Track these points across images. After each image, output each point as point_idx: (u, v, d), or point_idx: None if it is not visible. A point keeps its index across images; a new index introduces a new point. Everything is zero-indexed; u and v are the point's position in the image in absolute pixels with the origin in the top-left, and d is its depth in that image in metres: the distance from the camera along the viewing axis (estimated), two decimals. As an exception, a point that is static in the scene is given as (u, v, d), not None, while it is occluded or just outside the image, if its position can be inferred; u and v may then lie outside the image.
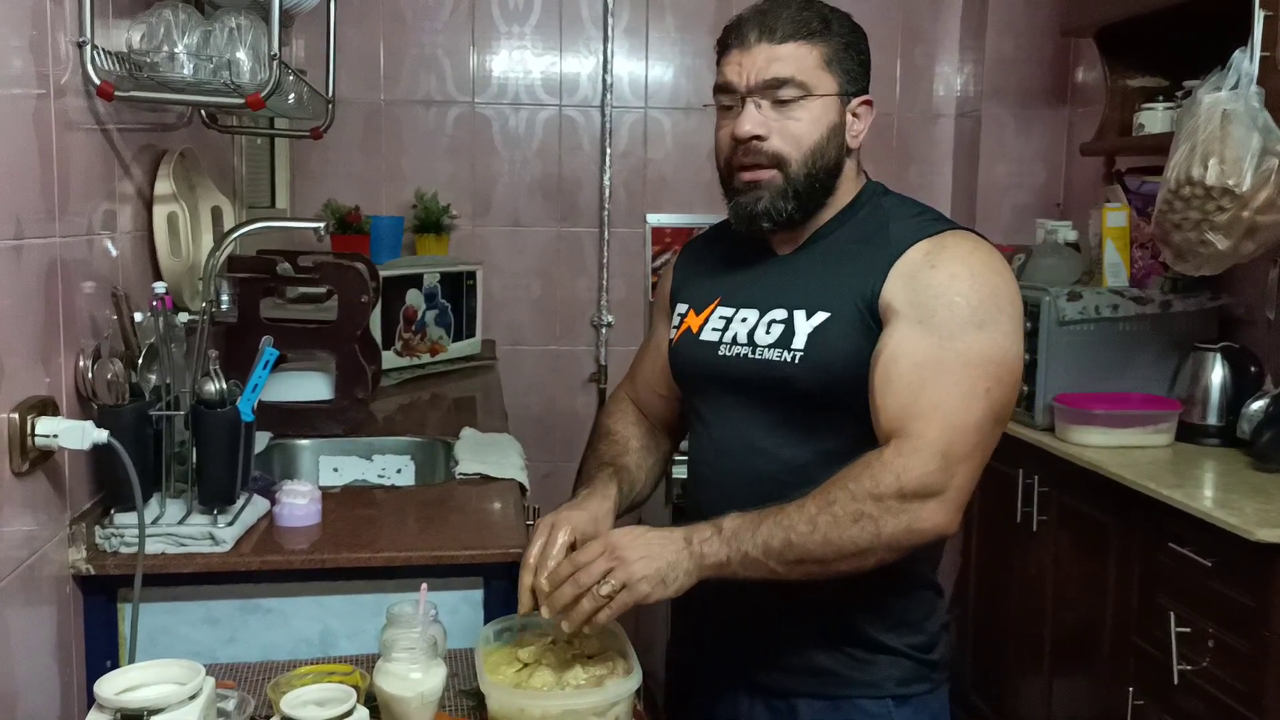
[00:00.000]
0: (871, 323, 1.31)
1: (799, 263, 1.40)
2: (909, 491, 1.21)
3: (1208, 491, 2.16)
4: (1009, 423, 2.70)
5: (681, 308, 1.49)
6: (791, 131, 1.33)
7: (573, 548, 1.30)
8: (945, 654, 1.44)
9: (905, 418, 1.24)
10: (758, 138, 1.33)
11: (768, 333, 1.36)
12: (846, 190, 1.41)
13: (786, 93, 1.32)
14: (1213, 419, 2.50)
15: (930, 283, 1.28)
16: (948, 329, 1.26)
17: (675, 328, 1.49)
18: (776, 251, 1.43)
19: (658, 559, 1.22)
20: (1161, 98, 2.76)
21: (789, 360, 1.34)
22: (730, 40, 1.36)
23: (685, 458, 1.53)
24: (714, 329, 1.42)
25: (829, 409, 1.33)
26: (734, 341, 1.39)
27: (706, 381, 1.44)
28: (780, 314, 1.37)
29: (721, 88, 1.36)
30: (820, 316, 1.33)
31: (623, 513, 1.45)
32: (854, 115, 1.38)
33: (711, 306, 1.44)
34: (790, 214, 1.36)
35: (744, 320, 1.40)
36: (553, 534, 1.31)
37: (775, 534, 1.21)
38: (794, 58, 1.32)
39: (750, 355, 1.37)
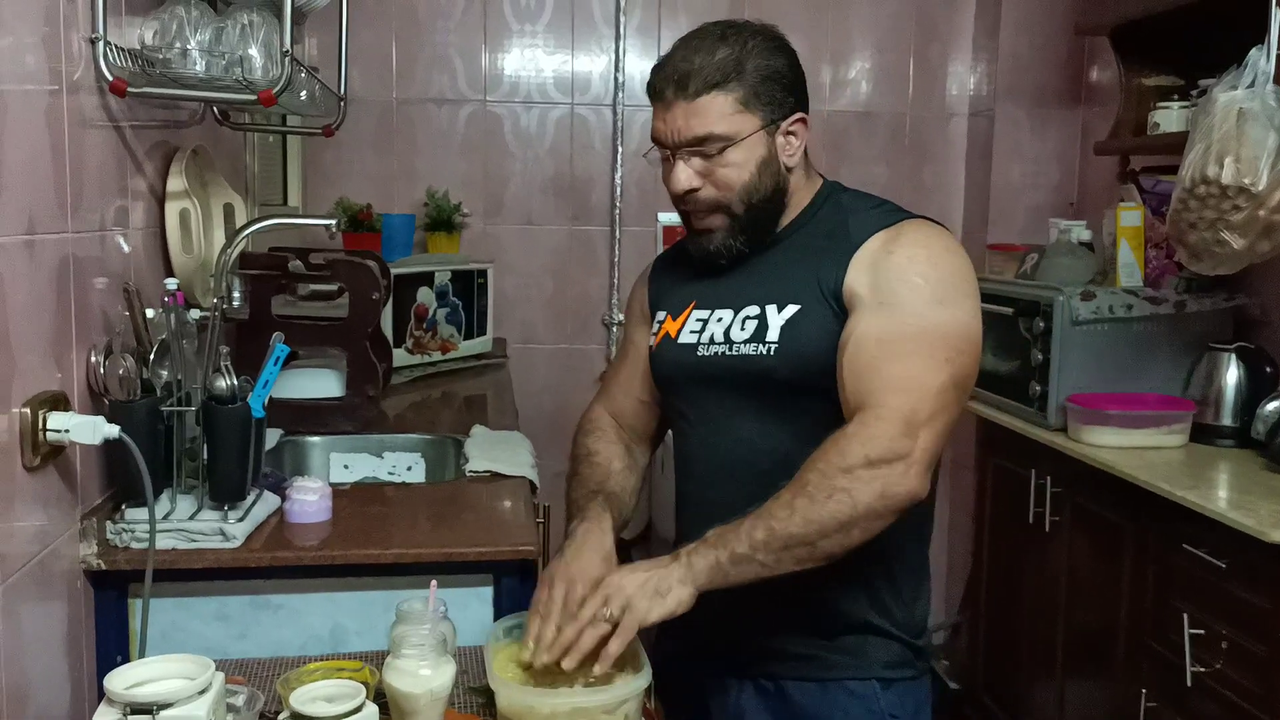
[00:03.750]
0: (838, 310, 1.35)
1: (766, 262, 1.44)
2: (876, 459, 1.23)
3: (1222, 493, 2.15)
4: (1022, 420, 2.70)
5: (660, 315, 1.53)
6: (722, 179, 1.38)
7: None
8: (929, 644, 1.47)
9: (868, 391, 1.27)
10: (692, 190, 1.39)
11: (743, 329, 1.40)
12: (800, 198, 1.45)
13: (710, 147, 1.36)
14: (1227, 420, 2.48)
15: (889, 267, 1.32)
16: (909, 307, 1.30)
17: (654, 334, 1.52)
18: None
19: (647, 574, 1.25)
20: (1176, 96, 2.74)
21: (765, 353, 1.37)
22: (652, 94, 1.40)
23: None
24: (691, 331, 1.46)
25: (807, 396, 1.36)
26: (711, 341, 1.43)
27: (688, 382, 1.47)
28: (753, 310, 1.41)
29: (655, 139, 1.41)
30: (791, 309, 1.38)
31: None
32: (787, 136, 1.40)
33: (687, 310, 1.48)
34: (743, 247, 1.42)
35: (719, 320, 1.43)
36: (554, 590, 1.31)
37: (758, 527, 1.24)
38: (710, 110, 1.35)
39: (728, 352, 1.41)
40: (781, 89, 1.38)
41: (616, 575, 1.27)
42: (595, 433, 1.59)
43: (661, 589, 1.24)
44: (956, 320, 1.31)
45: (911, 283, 1.31)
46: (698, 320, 1.46)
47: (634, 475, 1.57)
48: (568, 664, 1.23)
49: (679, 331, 1.48)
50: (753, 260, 1.44)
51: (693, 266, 1.52)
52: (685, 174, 1.38)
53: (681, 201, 1.42)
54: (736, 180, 1.38)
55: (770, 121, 1.38)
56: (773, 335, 1.37)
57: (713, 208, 1.40)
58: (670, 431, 1.58)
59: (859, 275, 1.34)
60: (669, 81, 1.37)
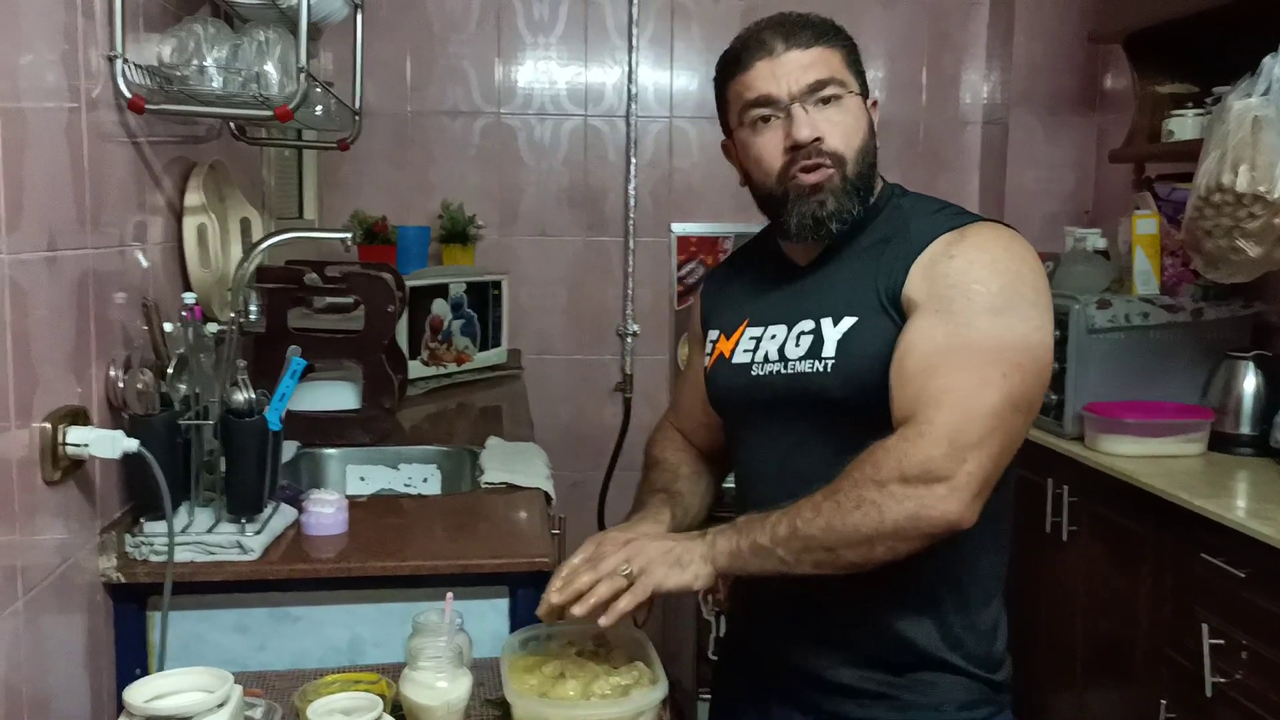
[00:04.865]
0: (898, 320, 1.27)
1: (822, 271, 1.37)
2: (911, 476, 1.17)
3: (1241, 502, 2.13)
4: (1038, 429, 2.68)
5: (713, 334, 1.48)
6: (842, 130, 1.32)
7: None
8: (1010, 675, 1.40)
9: (915, 405, 1.20)
10: (818, 139, 1.30)
11: (798, 345, 1.34)
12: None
13: (830, 91, 1.31)
14: (1246, 428, 2.47)
15: (948, 272, 1.25)
16: (964, 316, 1.22)
17: (709, 355, 1.47)
18: (798, 263, 1.41)
19: (672, 544, 1.26)
20: (1191, 104, 2.74)
21: (821, 370, 1.30)
22: (750, 55, 1.33)
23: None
24: (745, 350, 1.40)
25: (867, 416, 1.26)
26: (765, 360, 1.37)
27: (744, 404, 1.41)
28: (808, 324, 1.34)
29: (757, 102, 1.32)
30: (847, 322, 1.30)
31: None
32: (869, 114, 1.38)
33: (740, 329, 1.42)
34: (855, 213, 1.33)
35: (773, 337, 1.37)
36: (584, 549, 1.30)
37: (782, 522, 1.22)
38: (824, 60, 1.32)
39: (783, 370, 1.34)
40: (861, 68, 1.37)
41: (643, 539, 1.28)
42: (663, 442, 1.58)
43: (684, 561, 1.24)
44: (1014, 331, 1.22)
45: (969, 290, 1.23)
46: (751, 339, 1.40)
47: (702, 480, 1.54)
48: (578, 610, 1.22)
49: (733, 351, 1.42)
50: (806, 270, 1.39)
51: (745, 281, 1.46)
52: (809, 120, 1.30)
53: (796, 159, 1.30)
54: (854, 133, 1.32)
55: (864, 92, 1.36)
56: (829, 351, 1.30)
57: (834, 160, 1.31)
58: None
59: (918, 280, 1.26)
60: (777, 35, 1.32)
